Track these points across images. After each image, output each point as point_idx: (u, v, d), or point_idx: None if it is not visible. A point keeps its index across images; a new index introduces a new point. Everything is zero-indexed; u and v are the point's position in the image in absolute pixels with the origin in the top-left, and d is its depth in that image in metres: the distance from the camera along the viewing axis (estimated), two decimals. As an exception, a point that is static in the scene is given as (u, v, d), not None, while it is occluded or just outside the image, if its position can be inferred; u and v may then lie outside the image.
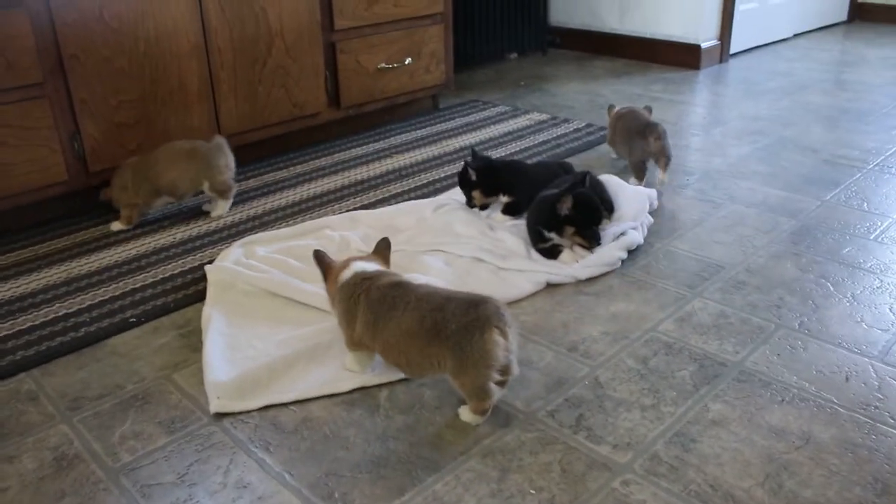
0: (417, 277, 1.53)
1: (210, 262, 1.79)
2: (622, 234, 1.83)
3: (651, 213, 1.99)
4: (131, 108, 2.08)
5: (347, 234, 1.88)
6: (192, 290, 1.69)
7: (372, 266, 1.36)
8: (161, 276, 1.76)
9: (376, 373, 1.37)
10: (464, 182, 1.98)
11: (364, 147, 2.60)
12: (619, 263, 1.76)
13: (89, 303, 1.65)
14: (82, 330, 1.55)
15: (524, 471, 1.16)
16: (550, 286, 1.69)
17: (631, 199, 1.97)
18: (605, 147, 2.49)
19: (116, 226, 2.01)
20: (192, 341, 1.51)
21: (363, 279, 1.31)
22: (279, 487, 1.14)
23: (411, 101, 2.90)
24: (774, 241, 1.87)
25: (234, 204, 2.14)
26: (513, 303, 1.60)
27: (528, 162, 2.17)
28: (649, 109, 2.36)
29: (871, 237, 1.88)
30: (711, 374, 1.37)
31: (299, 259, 1.75)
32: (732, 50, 3.79)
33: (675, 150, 2.49)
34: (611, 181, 2.03)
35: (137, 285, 1.72)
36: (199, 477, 1.17)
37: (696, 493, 1.11)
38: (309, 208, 2.11)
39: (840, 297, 1.61)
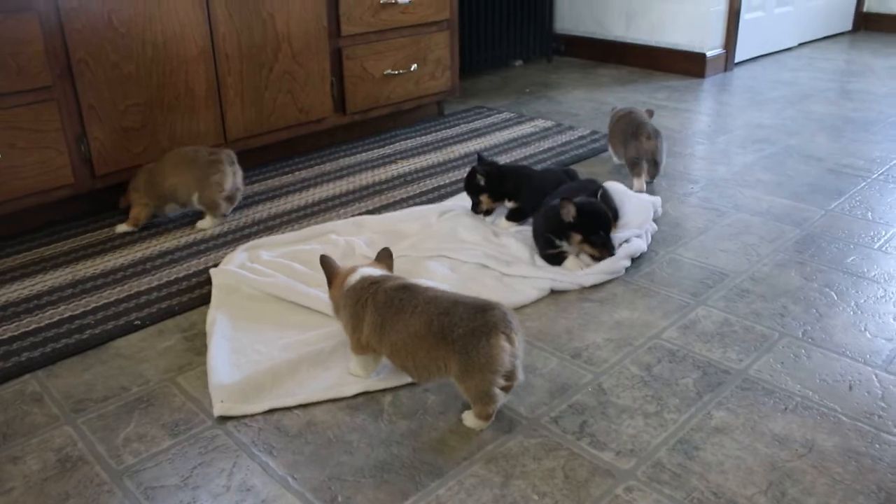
0: (423, 281, 1.53)
1: (215, 265, 1.80)
2: (626, 241, 1.83)
3: (655, 220, 1.99)
4: (138, 112, 2.10)
5: (352, 239, 1.89)
6: (197, 294, 1.70)
7: (378, 271, 1.37)
8: (166, 280, 1.77)
9: (380, 377, 1.38)
10: (471, 186, 1.98)
11: (369, 152, 2.61)
12: (624, 271, 1.76)
13: (94, 305, 1.66)
14: (87, 332, 1.56)
15: (527, 477, 1.16)
16: (554, 293, 1.69)
17: (636, 207, 1.97)
18: (609, 154, 2.49)
19: (122, 227, 2.02)
20: (197, 344, 1.52)
21: (370, 283, 1.32)
22: (282, 491, 1.14)
23: (417, 107, 2.91)
24: (779, 250, 1.87)
25: (240, 208, 2.15)
26: (517, 309, 1.60)
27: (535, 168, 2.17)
28: (650, 113, 2.36)
29: (876, 246, 1.88)
30: (715, 382, 1.37)
31: (304, 264, 1.75)
32: (737, 59, 3.80)
33: (680, 159, 2.50)
34: (616, 189, 2.03)
35: (143, 288, 1.73)
36: (203, 480, 1.17)
37: (699, 501, 1.11)
38: (314, 213, 2.12)
39: (844, 307, 1.61)
